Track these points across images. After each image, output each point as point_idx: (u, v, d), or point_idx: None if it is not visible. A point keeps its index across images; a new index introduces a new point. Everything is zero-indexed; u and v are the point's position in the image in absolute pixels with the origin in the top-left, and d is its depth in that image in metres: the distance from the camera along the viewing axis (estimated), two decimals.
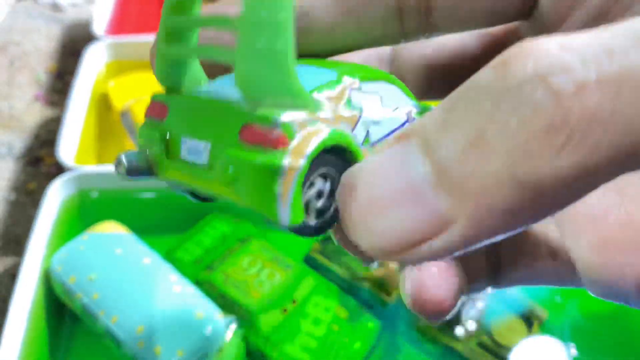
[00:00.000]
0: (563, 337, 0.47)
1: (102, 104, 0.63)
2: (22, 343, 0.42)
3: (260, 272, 0.47)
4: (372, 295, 0.48)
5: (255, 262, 0.48)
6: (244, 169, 0.15)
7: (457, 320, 0.45)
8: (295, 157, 0.15)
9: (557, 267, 0.20)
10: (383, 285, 0.48)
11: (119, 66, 0.66)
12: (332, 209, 0.16)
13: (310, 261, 0.50)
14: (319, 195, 0.16)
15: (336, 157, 0.16)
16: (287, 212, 0.15)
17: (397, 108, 0.18)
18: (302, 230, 0.16)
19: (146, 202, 0.52)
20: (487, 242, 0.14)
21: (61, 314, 0.47)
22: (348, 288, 0.48)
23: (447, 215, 0.14)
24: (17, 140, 0.65)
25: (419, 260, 0.14)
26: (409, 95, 0.19)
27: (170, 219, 0.51)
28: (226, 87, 0.17)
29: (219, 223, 0.52)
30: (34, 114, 0.68)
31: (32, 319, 0.43)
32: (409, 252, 0.14)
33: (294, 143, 0.15)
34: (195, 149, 0.16)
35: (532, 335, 0.45)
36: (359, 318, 0.46)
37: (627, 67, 0.12)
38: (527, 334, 0.45)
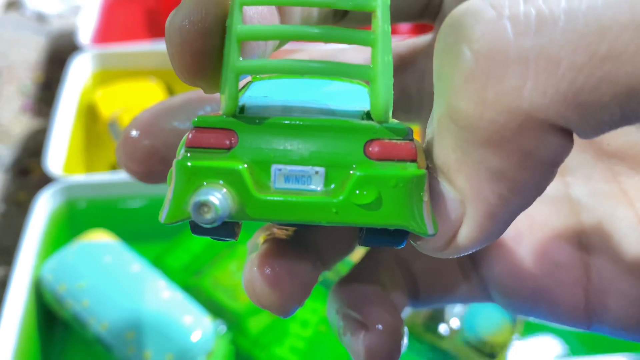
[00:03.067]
0: (548, 332, 0.48)
1: (89, 114, 0.64)
2: (13, 352, 0.42)
3: None
4: None
5: (242, 266, 0.49)
6: (388, 184, 0.14)
7: (441, 318, 0.46)
8: (422, 166, 0.15)
9: (470, 287, 0.21)
10: None
11: (105, 76, 0.67)
12: None
13: None
14: None
15: None
16: (430, 221, 0.15)
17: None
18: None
19: (134, 210, 0.53)
20: (509, 210, 0.15)
21: (52, 322, 0.47)
22: None
23: (459, 200, 0.15)
24: (6, 152, 0.66)
25: (462, 253, 0.15)
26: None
27: (158, 226, 0.52)
28: (283, 104, 0.16)
29: None
30: (22, 124, 0.69)
31: (24, 328, 0.44)
32: (450, 248, 0.15)
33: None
34: (298, 175, 0.14)
35: (516, 332, 0.46)
36: None
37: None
38: (511, 330, 0.46)
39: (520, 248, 0.20)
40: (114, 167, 0.61)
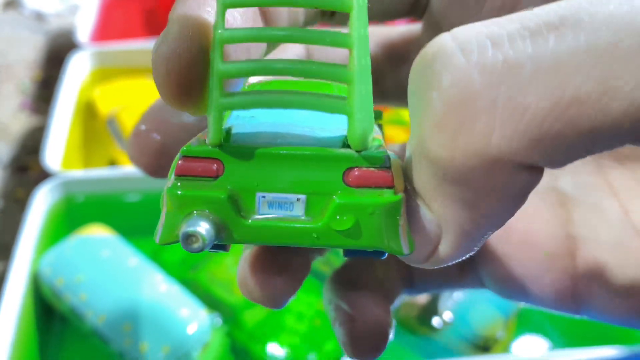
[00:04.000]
0: (540, 324, 0.48)
1: (88, 112, 0.64)
2: (11, 345, 0.42)
3: None
4: None
5: (238, 260, 0.49)
6: (365, 212, 0.15)
7: (435, 311, 0.47)
8: (399, 189, 0.16)
9: (463, 275, 0.22)
10: None
11: (104, 74, 0.67)
12: None
13: None
14: None
15: None
16: (406, 242, 0.16)
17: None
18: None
19: (132, 204, 0.53)
20: (485, 229, 0.15)
21: (50, 315, 0.48)
22: None
23: (436, 223, 0.15)
24: (4, 149, 0.66)
25: (442, 265, 0.16)
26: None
27: (156, 220, 0.52)
28: (267, 130, 0.16)
29: None
30: (21, 122, 0.69)
31: (21, 321, 0.44)
32: (430, 261, 0.16)
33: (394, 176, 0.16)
34: (281, 202, 0.15)
35: (508, 324, 0.47)
36: None
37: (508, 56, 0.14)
38: (504, 323, 0.47)
39: (510, 238, 0.21)
40: (112, 164, 0.62)
